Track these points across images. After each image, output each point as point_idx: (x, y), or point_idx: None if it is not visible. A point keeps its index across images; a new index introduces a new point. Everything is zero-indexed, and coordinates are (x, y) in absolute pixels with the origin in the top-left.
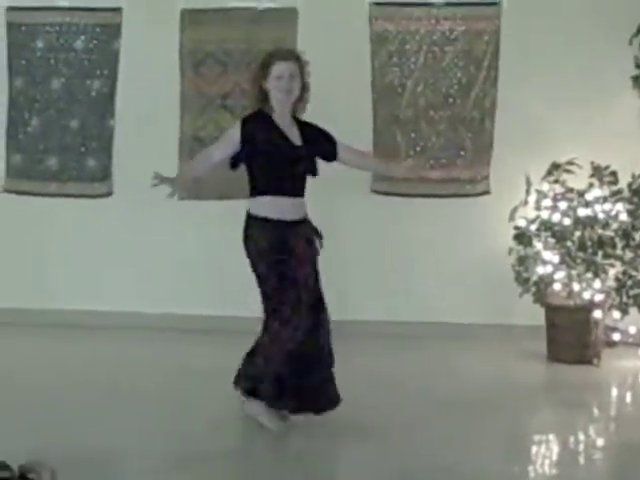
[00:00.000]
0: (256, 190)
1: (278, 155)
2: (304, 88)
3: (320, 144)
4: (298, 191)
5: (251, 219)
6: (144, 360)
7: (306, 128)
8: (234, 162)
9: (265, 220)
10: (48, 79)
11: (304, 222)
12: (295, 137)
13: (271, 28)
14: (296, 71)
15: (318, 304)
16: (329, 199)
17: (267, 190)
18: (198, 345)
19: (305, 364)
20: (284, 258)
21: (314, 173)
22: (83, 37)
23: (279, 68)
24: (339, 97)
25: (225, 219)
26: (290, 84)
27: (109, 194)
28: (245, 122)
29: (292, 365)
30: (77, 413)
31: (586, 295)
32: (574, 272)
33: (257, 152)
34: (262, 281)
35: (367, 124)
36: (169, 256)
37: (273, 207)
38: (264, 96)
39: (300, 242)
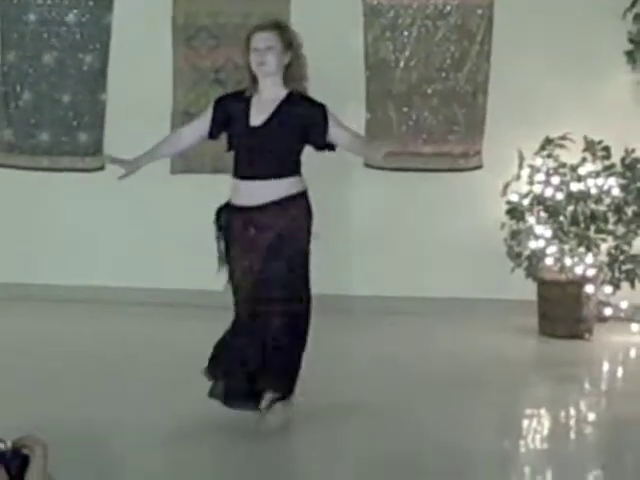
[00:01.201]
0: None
1: (234, 136)
2: (293, 60)
3: (302, 124)
4: (260, 173)
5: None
6: (136, 335)
7: (293, 105)
8: (229, 145)
9: (227, 203)
10: (40, 53)
11: (268, 207)
12: (262, 115)
13: (264, 1)
14: (274, 42)
15: (265, 303)
16: (321, 173)
17: (233, 172)
18: (192, 320)
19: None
20: (227, 244)
21: (280, 149)
22: (75, 11)
23: (255, 39)
24: (332, 71)
25: (220, 193)
26: (264, 56)
27: (101, 168)
28: (218, 101)
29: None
30: (71, 388)
31: (578, 270)
32: (566, 247)
33: (225, 132)
34: None
35: (360, 98)
36: (162, 230)
37: (232, 190)
38: (252, 70)
39: (247, 230)
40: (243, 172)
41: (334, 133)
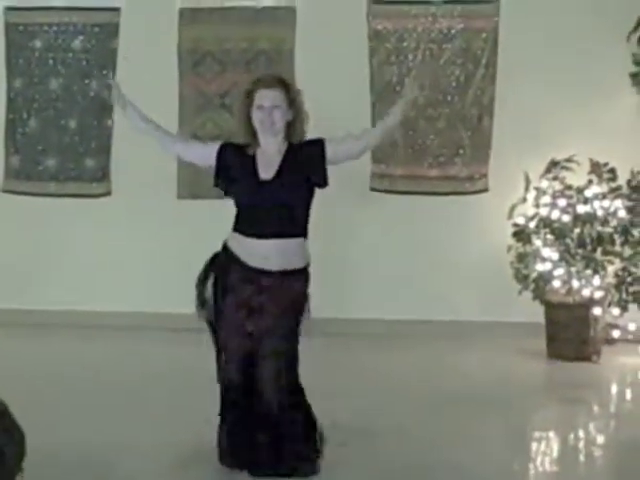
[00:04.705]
0: (234, 225)
1: (241, 191)
2: (296, 117)
3: (305, 167)
4: (272, 231)
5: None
6: (142, 359)
7: (296, 155)
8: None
9: (225, 247)
10: (46, 79)
11: (279, 275)
12: (270, 169)
13: (270, 27)
14: (281, 100)
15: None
16: (327, 197)
17: (238, 229)
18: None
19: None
20: (223, 294)
21: (293, 203)
22: (81, 37)
23: (260, 96)
24: (337, 95)
25: (224, 218)
26: (271, 116)
27: (107, 194)
28: (224, 147)
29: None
30: (81, 412)
31: (585, 292)
32: (573, 269)
33: (229, 187)
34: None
35: (365, 122)
36: (167, 255)
37: (238, 246)
38: (251, 125)
39: (245, 287)
40: (254, 230)
41: (336, 152)
